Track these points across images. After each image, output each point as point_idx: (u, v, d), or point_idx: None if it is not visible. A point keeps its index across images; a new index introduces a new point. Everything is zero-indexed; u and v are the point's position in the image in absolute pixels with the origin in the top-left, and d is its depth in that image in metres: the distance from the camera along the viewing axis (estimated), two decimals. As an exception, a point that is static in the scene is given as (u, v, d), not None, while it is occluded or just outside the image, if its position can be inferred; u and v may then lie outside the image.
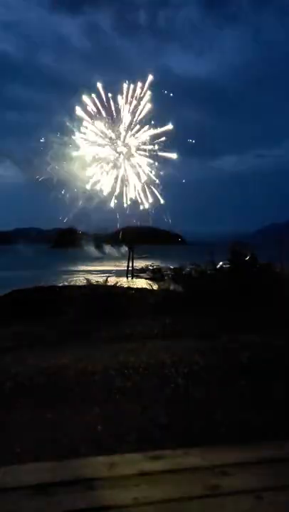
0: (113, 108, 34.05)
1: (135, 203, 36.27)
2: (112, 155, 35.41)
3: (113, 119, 34.38)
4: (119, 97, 33.90)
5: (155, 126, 34.46)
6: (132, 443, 3.06)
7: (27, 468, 2.24)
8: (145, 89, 33.81)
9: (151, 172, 35.73)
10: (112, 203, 35.86)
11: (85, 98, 33.66)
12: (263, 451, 2.21)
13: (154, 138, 34.84)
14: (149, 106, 34.12)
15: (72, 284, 14.09)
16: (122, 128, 34.61)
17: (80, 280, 14.22)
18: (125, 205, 36.16)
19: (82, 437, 3.19)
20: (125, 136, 35.04)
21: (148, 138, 34.89)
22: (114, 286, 12.93)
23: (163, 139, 34.58)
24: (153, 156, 35.28)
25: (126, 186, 35.86)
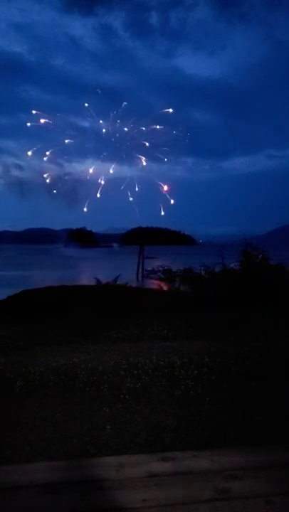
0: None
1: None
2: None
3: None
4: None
5: None
6: (141, 444, 3.05)
7: (37, 466, 2.25)
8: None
9: None
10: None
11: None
12: (273, 455, 2.18)
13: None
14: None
15: (82, 284, 14.15)
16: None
17: (89, 280, 14.28)
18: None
19: (91, 437, 3.19)
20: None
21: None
22: (124, 287, 12.95)
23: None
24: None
25: None
